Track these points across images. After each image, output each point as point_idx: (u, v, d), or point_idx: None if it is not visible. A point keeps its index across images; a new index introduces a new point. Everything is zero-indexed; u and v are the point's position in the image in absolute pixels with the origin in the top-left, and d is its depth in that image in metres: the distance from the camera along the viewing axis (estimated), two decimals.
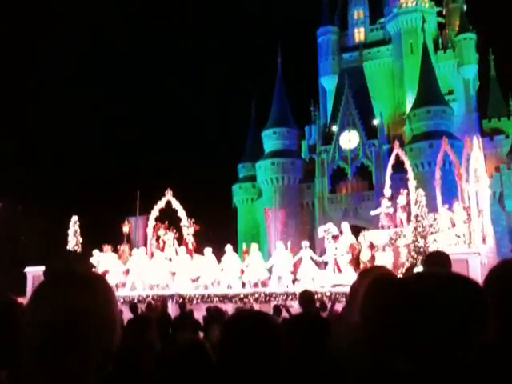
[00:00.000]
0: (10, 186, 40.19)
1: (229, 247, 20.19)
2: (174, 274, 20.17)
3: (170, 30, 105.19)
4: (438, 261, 4.11)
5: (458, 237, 19.78)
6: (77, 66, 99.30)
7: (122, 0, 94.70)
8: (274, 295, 18.67)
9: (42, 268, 4.88)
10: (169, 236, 22.15)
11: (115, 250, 21.28)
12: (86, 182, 62.48)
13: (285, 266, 19.48)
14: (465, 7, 52.66)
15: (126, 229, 24.07)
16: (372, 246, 19.41)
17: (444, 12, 53.03)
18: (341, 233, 20.35)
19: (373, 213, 23.93)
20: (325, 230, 19.65)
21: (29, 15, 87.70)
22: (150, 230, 23.22)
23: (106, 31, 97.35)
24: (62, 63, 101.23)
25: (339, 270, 18.52)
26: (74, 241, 22.16)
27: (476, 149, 22.20)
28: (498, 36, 75.13)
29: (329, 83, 51.11)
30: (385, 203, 23.00)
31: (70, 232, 22.37)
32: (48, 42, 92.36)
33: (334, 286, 17.64)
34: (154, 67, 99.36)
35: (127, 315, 9.04)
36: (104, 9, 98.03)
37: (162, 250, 21.55)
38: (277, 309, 10.84)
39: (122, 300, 17.73)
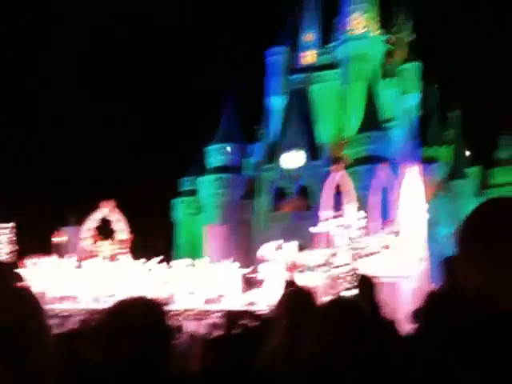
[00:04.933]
0: None
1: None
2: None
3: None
4: (365, 284, 4.13)
5: (392, 260, 20.20)
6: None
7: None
8: (208, 313, 18.48)
9: None
10: (104, 248, 21.64)
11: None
12: (24, 189, 60.21)
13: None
14: (412, 37, 54.52)
15: (58, 239, 23.27)
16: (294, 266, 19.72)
17: (391, 40, 54.72)
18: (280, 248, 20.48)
19: (313, 229, 24.15)
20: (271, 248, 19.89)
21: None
22: (84, 241, 22.55)
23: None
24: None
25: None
26: (6, 249, 21.17)
27: (414, 175, 22.86)
28: (443, 67, 78.24)
29: (276, 103, 51.62)
30: (323, 224, 23.36)
31: (3, 239, 21.36)
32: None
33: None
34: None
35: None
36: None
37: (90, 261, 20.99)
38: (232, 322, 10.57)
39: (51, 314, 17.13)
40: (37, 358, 1.37)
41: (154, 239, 43.05)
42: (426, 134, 51.40)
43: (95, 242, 22.45)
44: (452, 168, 46.25)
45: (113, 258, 21.48)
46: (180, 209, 49.99)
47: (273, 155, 45.64)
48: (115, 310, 1.75)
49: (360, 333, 1.55)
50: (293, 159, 44.71)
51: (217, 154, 47.19)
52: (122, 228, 22.80)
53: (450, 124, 51.34)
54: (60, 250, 23.22)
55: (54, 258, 20.56)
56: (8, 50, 79.37)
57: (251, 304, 18.55)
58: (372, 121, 44.49)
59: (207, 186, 46.49)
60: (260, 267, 21.86)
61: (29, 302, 1.45)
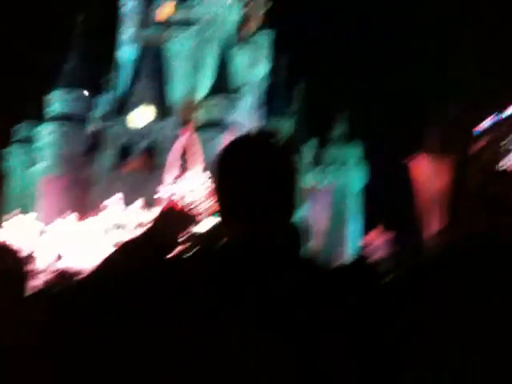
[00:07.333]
0: None
1: None
2: None
3: None
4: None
5: None
6: None
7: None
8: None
9: None
10: None
11: None
12: None
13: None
14: (267, 6, 55.48)
15: None
16: None
17: (247, 7, 55.18)
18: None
19: (158, 193, 24.16)
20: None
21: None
22: None
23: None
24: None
25: None
26: None
27: None
28: (295, 38, 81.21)
29: (127, 55, 49.60)
30: (167, 187, 23.57)
31: None
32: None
33: None
34: None
35: None
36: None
37: None
38: None
39: None
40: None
41: None
42: (272, 104, 53.46)
43: None
44: (290, 140, 48.68)
45: None
46: (13, 158, 46.27)
47: (120, 110, 44.04)
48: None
49: None
50: (141, 116, 43.63)
51: (60, 100, 44.18)
52: None
53: (295, 97, 53.70)
54: None
55: None
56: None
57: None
58: (224, 85, 45.00)
59: (47, 135, 43.40)
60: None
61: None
